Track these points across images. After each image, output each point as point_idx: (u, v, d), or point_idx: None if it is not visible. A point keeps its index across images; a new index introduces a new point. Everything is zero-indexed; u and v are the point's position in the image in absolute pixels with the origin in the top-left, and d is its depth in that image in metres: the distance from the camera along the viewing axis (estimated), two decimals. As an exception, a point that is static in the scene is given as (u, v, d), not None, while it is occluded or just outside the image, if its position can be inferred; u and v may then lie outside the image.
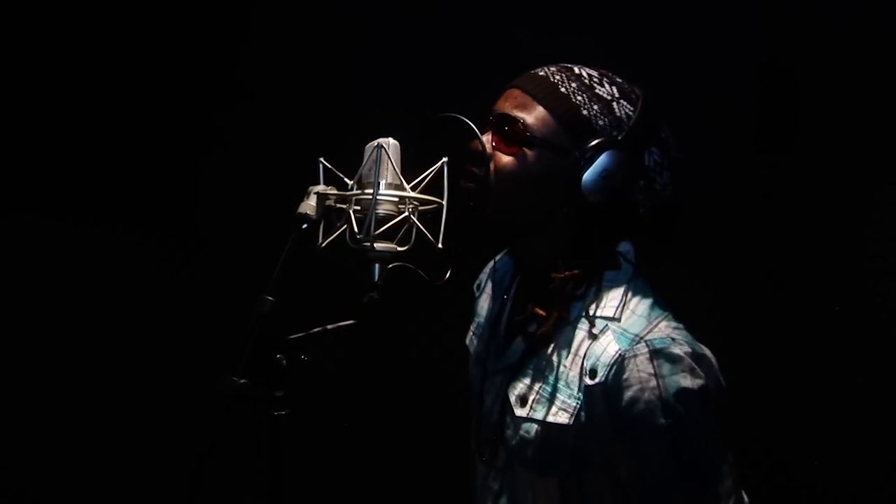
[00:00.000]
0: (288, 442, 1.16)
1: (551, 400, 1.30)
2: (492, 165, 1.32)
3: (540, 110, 1.32)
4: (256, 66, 2.45)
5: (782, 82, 2.01)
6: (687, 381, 1.23)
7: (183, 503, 1.15)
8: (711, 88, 1.97)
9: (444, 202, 1.24)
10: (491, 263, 1.62)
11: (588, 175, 1.28)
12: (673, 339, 1.25)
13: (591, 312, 1.31)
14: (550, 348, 1.33)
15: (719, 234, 1.98)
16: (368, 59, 2.32)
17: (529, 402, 1.32)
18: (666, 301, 1.34)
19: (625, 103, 1.35)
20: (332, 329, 1.20)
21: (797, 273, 1.98)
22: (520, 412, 1.33)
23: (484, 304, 1.57)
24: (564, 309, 1.32)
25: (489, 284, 1.58)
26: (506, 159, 1.32)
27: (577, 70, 1.37)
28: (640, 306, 1.31)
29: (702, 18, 1.99)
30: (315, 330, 1.19)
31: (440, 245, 1.24)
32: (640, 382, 1.23)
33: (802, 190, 1.96)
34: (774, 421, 1.97)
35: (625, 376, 1.23)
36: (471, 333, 1.58)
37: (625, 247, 1.36)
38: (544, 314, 1.32)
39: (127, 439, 2.42)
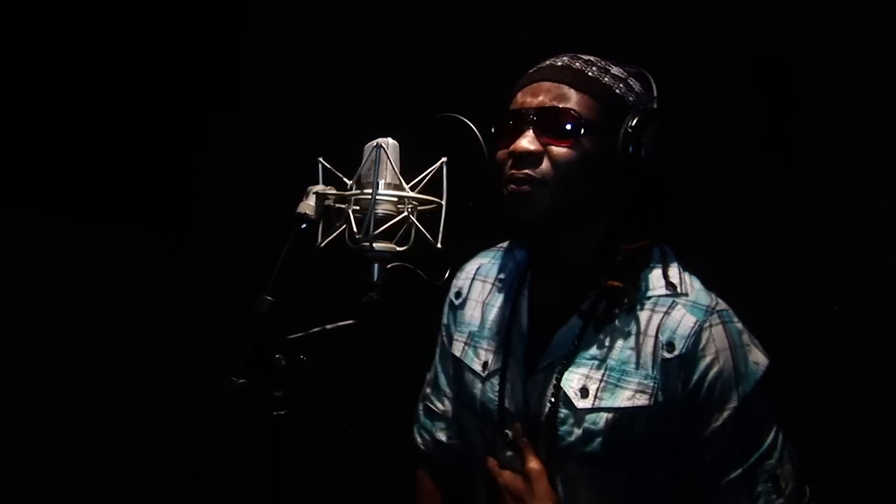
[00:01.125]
0: (287, 442, 1.16)
1: (623, 385, 1.30)
2: (546, 163, 1.31)
3: (581, 96, 1.33)
4: (256, 67, 2.45)
5: (782, 82, 2.01)
6: (755, 355, 1.32)
7: (183, 503, 1.15)
8: (710, 89, 1.97)
9: (444, 202, 1.24)
10: (470, 269, 1.59)
11: (644, 146, 1.31)
12: (734, 315, 1.33)
13: (645, 291, 1.34)
14: (607, 334, 1.34)
15: (719, 234, 1.97)
16: (368, 60, 2.32)
17: (593, 392, 1.31)
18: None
19: (633, 80, 1.39)
20: (331, 329, 1.20)
21: (797, 273, 1.97)
22: (583, 404, 1.31)
23: (474, 312, 1.52)
24: (637, 280, 1.35)
25: (476, 290, 1.54)
26: (562, 151, 1.31)
27: (585, 57, 1.39)
28: (694, 281, 1.37)
29: (701, 18, 1.99)
30: (314, 330, 1.19)
31: (439, 245, 1.24)
32: (717, 352, 1.29)
33: (802, 190, 1.96)
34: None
35: (702, 346, 1.28)
36: (461, 344, 1.52)
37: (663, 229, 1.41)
38: (620, 285, 1.32)
39: (127, 439, 2.42)
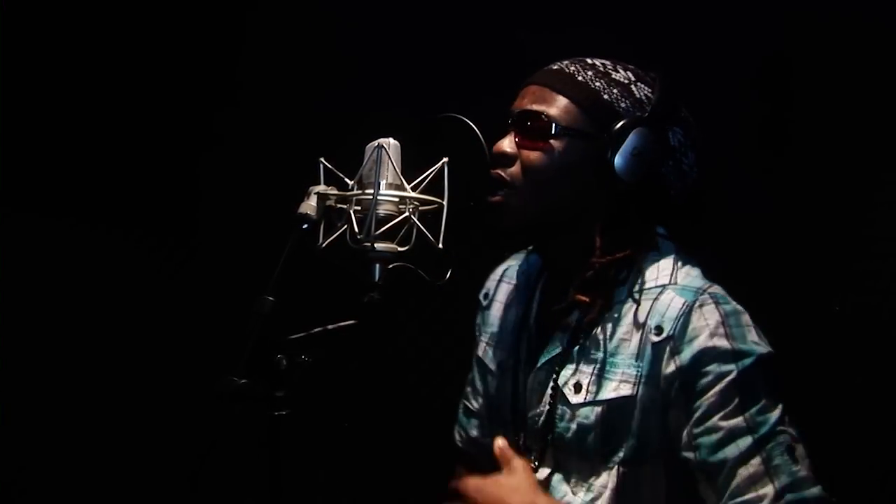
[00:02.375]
0: (288, 442, 1.16)
1: (610, 376, 1.29)
2: (518, 165, 1.31)
3: (561, 100, 1.32)
4: (256, 66, 2.45)
5: (782, 81, 2.00)
6: (753, 336, 1.25)
7: (183, 503, 1.15)
8: (710, 88, 1.97)
9: (445, 202, 1.24)
10: (499, 270, 1.60)
11: (619, 156, 1.27)
12: (732, 299, 1.28)
13: (638, 290, 1.30)
14: (598, 330, 1.32)
15: (718, 234, 1.97)
16: (369, 59, 2.32)
17: (585, 385, 1.30)
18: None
19: (642, 85, 1.36)
20: (333, 329, 1.20)
21: (796, 273, 1.97)
22: (576, 399, 1.31)
23: (497, 314, 1.54)
24: (608, 295, 1.32)
25: (501, 292, 1.55)
26: (533, 155, 1.31)
27: (590, 60, 1.38)
28: (693, 270, 1.33)
29: (701, 17, 1.99)
30: (315, 330, 1.19)
31: (440, 245, 1.24)
32: (709, 329, 1.23)
33: (802, 189, 1.96)
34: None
35: (693, 325, 1.23)
36: (483, 345, 1.54)
37: (660, 230, 1.37)
38: (588, 300, 1.31)
39: (128, 440, 2.41)
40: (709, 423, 1.22)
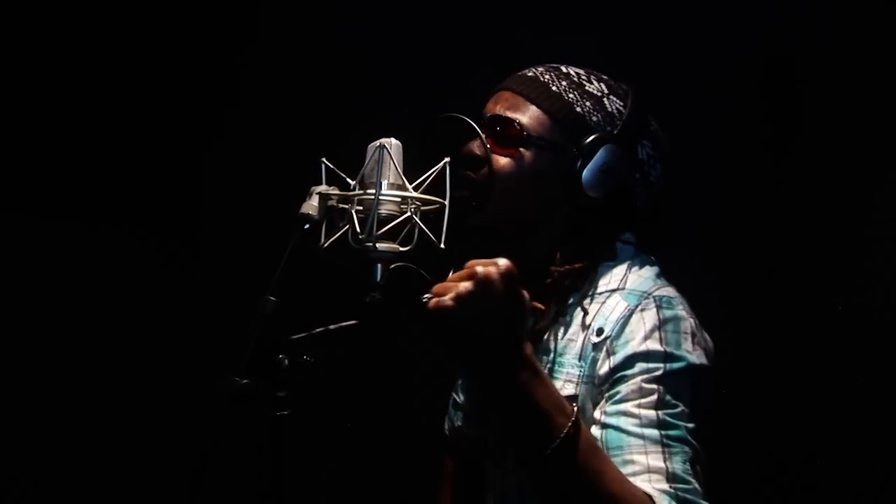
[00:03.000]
0: (290, 442, 1.16)
1: (556, 376, 1.30)
2: (487, 169, 1.33)
3: (534, 110, 1.34)
4: (258, 66, 2.45)
5: (784, 81, 2.00)
6: (688, 345, 1.22)
7: (185, 503, 1.15)
8: (714, 87, 1.97)
9: (447, 202, 1.24)
10: None
11: (588, 171, 1.29)
12: (681, 303, 1.26)
13: (590, 295, 1.31)
14: (549, 334, 1.34)
15: (720, 234, 1.97)
16: (371, 59, 2.32)
17: None
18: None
19: (615, 99, 1.37)
20: (335, 329, 1.19)
21: (799, 273, 1.97)
22: None
23: None
24: (562, 303, 1.34)
25: None
26: (503, 161, 1.33)
27: (564, 69, 1.39)
28: (645, 271, 1.32)
29: (705, 16, 1.99)
30: (317, 330, 1.18)
31: (442, 245, 1.24)
32: (644, 332, 1.22)
33: (804, 190, 1.96)
34: (775, 421, 1.97)
35: (630, 328, 1.23)
36: None
37: (626, 236, 1.37)
38: (543, 308, 1.33)
39: (129, 439, 2.42)
40: (622, 406, 1.20)
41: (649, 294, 1.27)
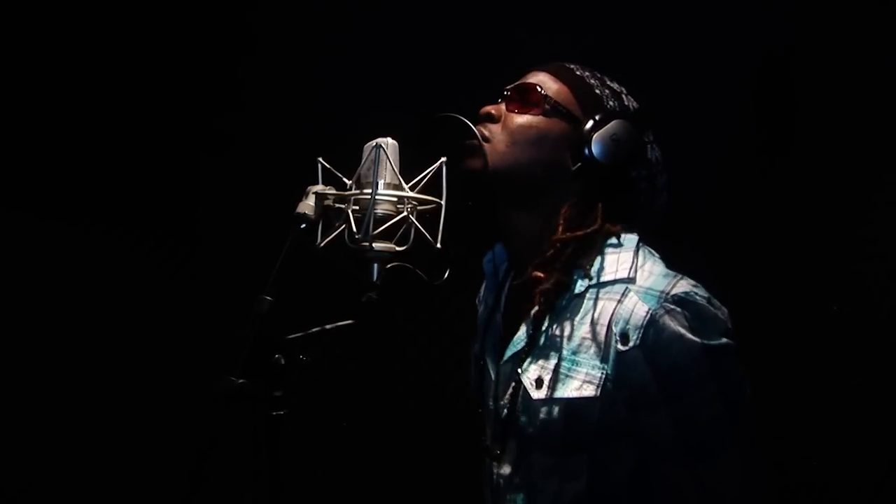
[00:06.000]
0: (286, 442, 1.16)
1: (572, 375, 1.29)
2: (500, 125, 1.37)
3: (558, 84, 1.40)
4: (255, 67, 2.45)
5: (780, 82, 2.01)
6: (719, 328, 1.26)
7: (182, 502, 1.15)
8: (709, 89, 1.97)
9: (443, 202, 1.24)
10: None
11: (598, 136, 1.33)
12: (696, 293, 1.27)
13: (596, 282, 1.31)
14: (559, 324, 1.33)
15: (718, 234, 1.98)
16: (367, 59, 2.32)
17: (546, 382, 1.31)
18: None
19: (632, 99, 1.43)
20: (331, 329, 1.20)
21: (796, 273, 1.98)
22: (538, 395, 1.31)
23: (480, 309, 1.58)
24: (564, 273, 1.33)
25: (482, 289, 1.59)
26: (519, 118, 1.37)
27: (590, 69, 1.44)
28: (655, 267, 1.32)
29: (700, 19, 1.99)
30: (313, 330, 1.19)
31: (439, 245, 1.24)
32: (680, 337, 1.23)
33: (801, 190, 1.96)
34: (773, 421, 1.97)
35: (664, 335, 1.24)
36: (477, 343, 1.57)
37: (629, 230, 1.37)
38: (543, 276, 1.33)
39: (126, 439, 2.42)
40: (687, 422, 1.23)
41: (667, 294, 1.27)
